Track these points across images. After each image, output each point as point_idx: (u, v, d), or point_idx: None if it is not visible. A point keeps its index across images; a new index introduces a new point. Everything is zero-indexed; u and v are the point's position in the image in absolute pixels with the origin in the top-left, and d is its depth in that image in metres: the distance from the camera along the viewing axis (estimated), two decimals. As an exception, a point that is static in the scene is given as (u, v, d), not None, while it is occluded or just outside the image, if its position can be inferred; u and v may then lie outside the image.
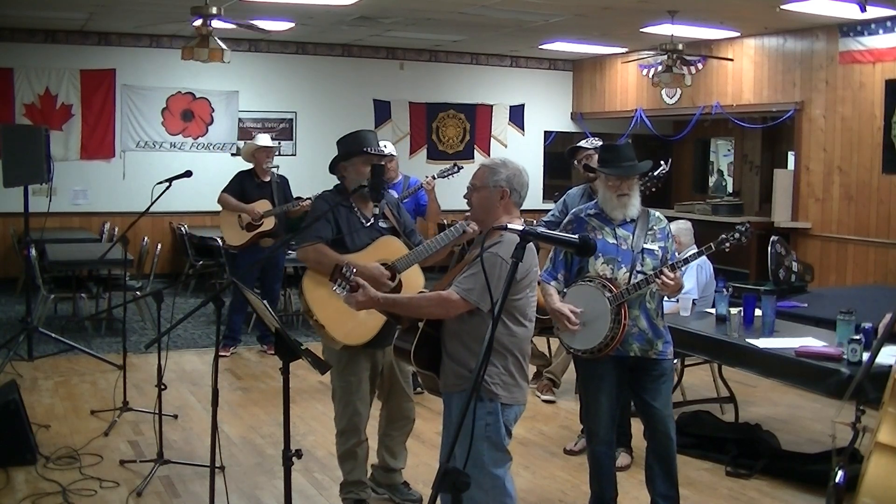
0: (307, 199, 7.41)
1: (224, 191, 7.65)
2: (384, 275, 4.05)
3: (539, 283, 4.09)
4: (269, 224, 7.54)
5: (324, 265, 3.97)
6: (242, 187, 7.63)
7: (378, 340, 4.13)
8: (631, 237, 4.10)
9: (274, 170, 7.73)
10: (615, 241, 4.09)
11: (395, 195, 6.53)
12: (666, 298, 4.32)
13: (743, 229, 4.06)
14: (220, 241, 8.39)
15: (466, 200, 3.56)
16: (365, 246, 4.16)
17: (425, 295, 3.54)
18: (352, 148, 4.27)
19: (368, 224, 4.23)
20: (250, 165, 7.78)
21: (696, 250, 4.53)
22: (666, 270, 3.94)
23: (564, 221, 4.37)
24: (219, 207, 7.73)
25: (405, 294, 3.92)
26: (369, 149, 4.25)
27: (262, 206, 7.56)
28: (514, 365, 3.43)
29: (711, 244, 4.12)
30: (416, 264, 4.16)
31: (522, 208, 3.59)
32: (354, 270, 3.46)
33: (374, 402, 4.48)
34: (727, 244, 4.08)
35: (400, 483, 4.55)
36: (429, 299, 3.45)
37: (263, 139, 7.83)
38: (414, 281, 4.14)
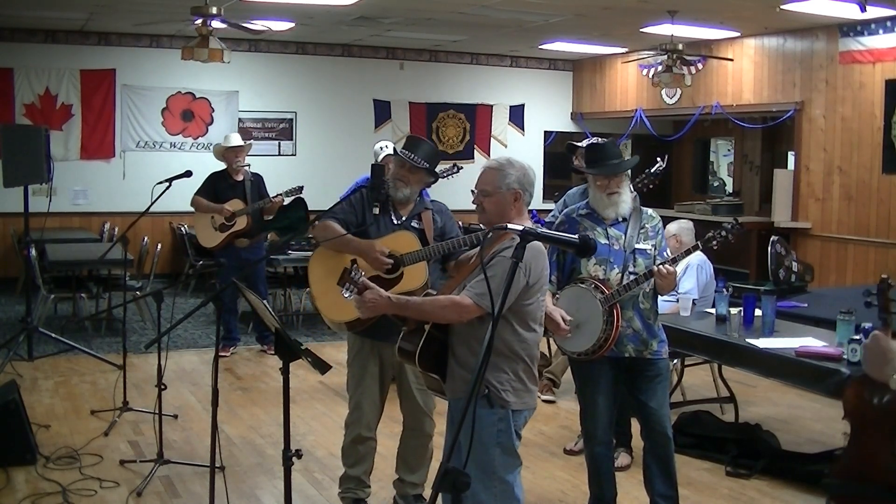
0: (278, 195, 7.46)
1: (196, 193, 7.63)
2: (382, 251, 4.10)
3: None
4: (241, 223, 7.51)
5: (327, 239, 4.16)
6: (215, 188, 7.62)
7: (378, 332, 4.09)
8: (623, 237, 4.09)
9: (247, 168, 7.72)
10: (607, 242, 4.07)
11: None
12: (663, 298, 4.32)
13: (729, 226, 4.06)
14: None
15: (476, 205, 3.48)
16: (382, 236, 4.22)
17: (438, 299, 3.43)
18: None
19: (399, 223, 4.25)
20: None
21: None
22: (661, 264, 3.93)
23: (557, 222, 4.33)
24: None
25: (417, 297, 3.87)
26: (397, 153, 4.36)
27: (235, 205, 7.53)
28: (525, 371, 3.38)
29: (698, 242, 4.15)
30: (424, 262, 4.15)
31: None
32: (363, 273, 3.44)
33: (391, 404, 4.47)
34: (714, 241, 4.08)
35: (410, 495, 4.46)
36: (442, 304, 3.35)
37: (233, 139, 7.79)
38: (416, 275, 4.13)
